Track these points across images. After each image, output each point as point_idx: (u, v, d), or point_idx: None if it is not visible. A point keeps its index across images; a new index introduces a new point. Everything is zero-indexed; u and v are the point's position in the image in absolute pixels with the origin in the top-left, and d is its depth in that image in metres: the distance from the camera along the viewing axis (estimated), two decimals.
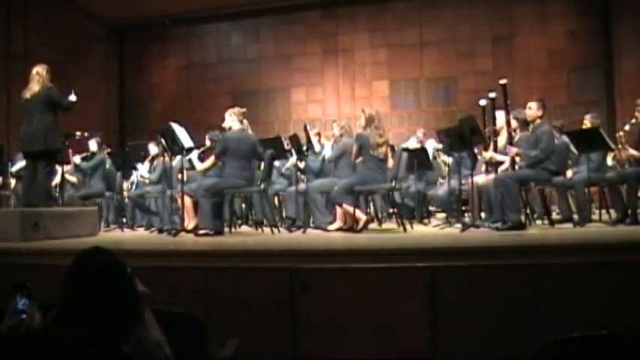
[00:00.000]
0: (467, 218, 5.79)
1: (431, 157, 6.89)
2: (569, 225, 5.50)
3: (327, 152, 6.46)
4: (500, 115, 5.44)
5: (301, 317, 3.23)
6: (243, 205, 7.15)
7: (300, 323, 3.23)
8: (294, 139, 6.41)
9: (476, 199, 5.51)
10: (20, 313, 1.75)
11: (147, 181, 7.20)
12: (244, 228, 6.66)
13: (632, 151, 5.38)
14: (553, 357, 1.65)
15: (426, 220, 6.81)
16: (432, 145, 7.14)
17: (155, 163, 7.12)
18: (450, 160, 6.43)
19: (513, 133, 5.33)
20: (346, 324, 3.17)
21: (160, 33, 12.78)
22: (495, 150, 5.41)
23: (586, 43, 10.55)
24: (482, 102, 5.63)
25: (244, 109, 5.75)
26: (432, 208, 7.77)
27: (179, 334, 1.86)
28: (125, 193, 7.57)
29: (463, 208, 6.14)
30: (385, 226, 6.41)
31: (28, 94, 5.42)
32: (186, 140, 5.76)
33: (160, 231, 6.17)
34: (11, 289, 1.80)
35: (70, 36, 11.38)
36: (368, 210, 6.37)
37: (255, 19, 12.31)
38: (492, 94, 5.43)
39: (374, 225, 6.14)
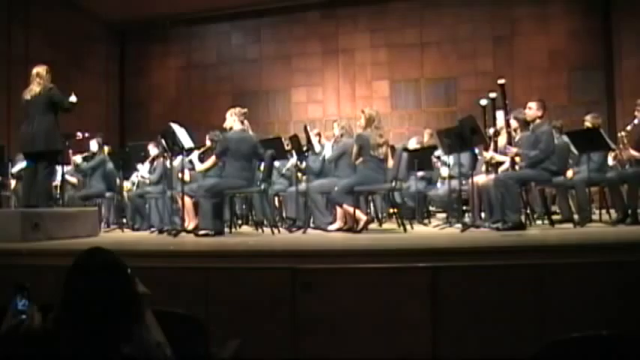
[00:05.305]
0: (467, 218, 5.79)
1: None
2: (570, 225, 5.50)
3: (328, 152, 6.46)
4: (500, 115, 5.44)
5: (302, 317, 3.23)
6: (244, 206, 7.16)
7: (300, 323, 3.22)
8: (295, 140, 6.41)
9: (476, 199, 5.51)
10: (20, 314, 1.75)
11: (147, 181, 7.20)
12: (245, 228, 6.66)
13: (634, 152, 5.38)
14: (553, 357, 1.65)
15: (426, 220, 6.81)
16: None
17: (155, 163, 7.12)
18: (449, 159, 6.42)
19: (514, 134, 5.33)
20: (347, 324, 3.17)
21: (161, 33, 12.78)
22: (496, 150, 5.42)
23: (586, 43, 10.55)
24: (483, 102, 5.62)
25: (245, 110, 5.75)
26: (432, 208, 7.77)
27: (180, 335, 1.86)
28: (125, 194, 7.58)
29: (463, 208, 6.14)
30: (385, 226, 6.41)
31: (28, 95, 5.41)
32: (186, 141, 5.76)
33: (161, 231, 6.17)
34: (11, 289, 1.80)
35: (71, 37, 11.39)
36: (368, 210, 6.37)
37: (256, 19, 12.31)
38: (493, 94, 5.43)
39: (374, 225, 6.14)
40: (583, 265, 3.13)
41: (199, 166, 6.20)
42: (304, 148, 6.22)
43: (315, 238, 5.05)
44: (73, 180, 7.99)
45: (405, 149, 6.42)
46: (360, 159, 5.47)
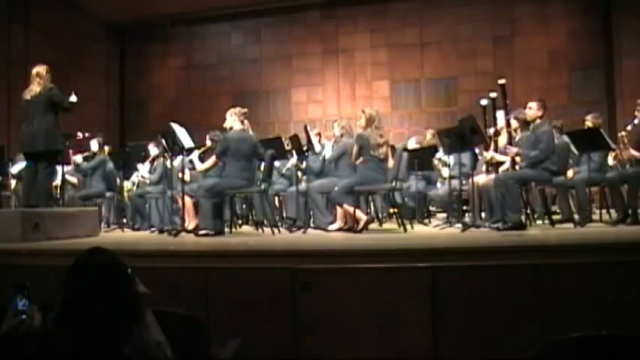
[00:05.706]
0: (467, 218, 5.78)
1: None
2: (570, 225, 5.50)
3: (328, 152, 6.46)
4: (500, 115, 5.44)
5: (302, 317, 3.23)
6: (244, 206, 7.16)
7: (300, 323, 3.23)
8: (295, 140, 6.41)
9: (476, 199, 5.50)
10: (20, 314, 1.75)
11: (147, 181, 7.21)
12: (245, 228, 6.66)
13: (634, 152, 5.38)
14: (553, 357, 1.65)
15: (426, 220, 6.81)
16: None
17: (155, 163, 7.12)
18: (450, 159, 6.42)
19: (514, 133, 5.33)
20: (346, 324, 3.17)
21: (161, 33, 12.79)
22: (496, 150, 5.41)
23: (586, 43, 10.55)
24: (484, 102, 5.62)
25: (246, 110, 5.75)
26: (432, 208, 7.76)
27: (180, 335, 1.86)
28: (126, 194, 7.58)
29: (464, 208, 6.14)
30: (386, 226, 6.40)
31: (28, 96, 5.41)
32: (186, 141, 5.76)
33: (161, 231, 6.17)
34: (11, 289, 1.80)
35: (71, 37, 11.39)
36: (368, 210, 6.37)
37: (256, 19, 12.32)
38: (493, 94, 5.43)
39: (374, 225, 6.14)
40: (583, 265, 3.13)
41: (199, 166, 6.20)
42: (304, 148, 6.22)
43: (315, 238, 5.05)
44: (73, 180, 7.99)
45: (405, 149, 6.42)
46: (361, 159, 5.47)
